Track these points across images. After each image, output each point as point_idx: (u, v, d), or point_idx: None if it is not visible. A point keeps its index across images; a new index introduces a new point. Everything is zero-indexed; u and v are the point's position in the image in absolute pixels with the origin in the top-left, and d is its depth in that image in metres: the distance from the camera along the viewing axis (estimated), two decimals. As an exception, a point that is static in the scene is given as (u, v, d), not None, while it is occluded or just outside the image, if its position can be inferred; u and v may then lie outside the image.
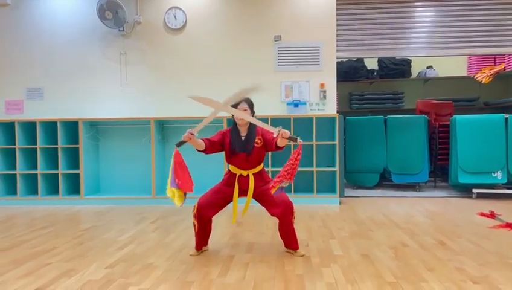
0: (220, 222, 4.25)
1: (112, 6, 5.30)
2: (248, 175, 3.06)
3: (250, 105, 3.08)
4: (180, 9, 5.56)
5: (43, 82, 5.70)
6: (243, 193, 3.09)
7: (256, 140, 3.04)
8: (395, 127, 6.08)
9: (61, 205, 5.28)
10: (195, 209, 3.05)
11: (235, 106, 3.00)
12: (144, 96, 5.64)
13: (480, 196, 5.48)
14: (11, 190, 5.49)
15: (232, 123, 3.12)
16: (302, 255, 3.02)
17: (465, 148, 5.45)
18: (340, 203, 5.16)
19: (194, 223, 3.09)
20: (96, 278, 2.61)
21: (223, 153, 3.19)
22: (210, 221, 3.11)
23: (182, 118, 5.45)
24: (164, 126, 5.65)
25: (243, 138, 3.06)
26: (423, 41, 5.90)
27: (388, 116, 6.16)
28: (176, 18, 5.60)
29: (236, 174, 3.07)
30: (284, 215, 3.00)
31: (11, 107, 5.72)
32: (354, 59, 7.80)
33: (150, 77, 5.68)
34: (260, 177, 3.12)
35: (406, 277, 2.54)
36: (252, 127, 3.06)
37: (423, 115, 6.18)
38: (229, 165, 3.14)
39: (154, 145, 5.30)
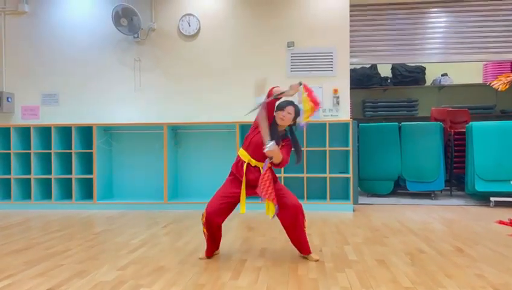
0: (232, 226, 4.21)
1: (127, 13, 5.37)
2: (256, 167, 2.99)
3: (297, 113, 3.02)
4: (194, 16, 5.61)
5: (59, 88, 5.78)
6: (251, 189, 2.99)
7: (282, 143, 2.99)
8: (410, 134, 5.99)
9: (75, 209, 5.30)
10: (204, 218, 3.00)
11: (280, 106, 2.99)
12: (157, 102, 5.68)
13: (498, 204, 5.34)
14: (26, 194, 5.54)
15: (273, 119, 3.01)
16: (317, 260, 2.97)
17: (482, 155, 5.34)
18: (353, 210, 5.08)
19: (203, 231, 3.05)
20: (108, 280, 2.59)
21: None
22: (219, 228, 3.06)
23: (195, 124, 5.47)
24: (177, 132, 5.66)
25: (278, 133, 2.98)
26: (438, 47, 5.84)
27: (403, 123, 6.08)
28: (189, 25, 5.64)
29: (244, 162, 3.00)
30: (295, 219, 2.95)
31: (27, 112, 5.81)
32: (368, 66, 7.76)
33: (164, 83, 5.71)
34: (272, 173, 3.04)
35: (423, 283, 2.47)
36: (288, 132, 3.05)
37: (438, 122, 6.09)
38: (240, 151, 3.07)
39: (166, 150, 5.31)
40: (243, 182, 2.98)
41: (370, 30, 5.91)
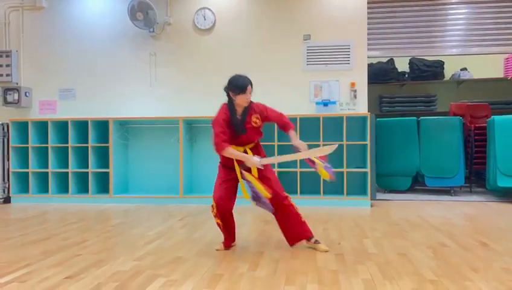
0: (247, 220, 4.18)
1: (143, 7, 5.37)
2: (245, 150, 2.96)
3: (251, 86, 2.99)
4: (209, 9, 5.58)
5: (75, 83, 5.82)
6: (247, 170, 2.91)
7: (253, 119, 2.97)
8: (429, 129, 5.86)
9: (91, 203, 5.33)
10: (215, 209, 2.95)
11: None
12: (172, 96, 5.67)
13: (521, 200, 5.20)
14: (44, 187, 5.59)
15: (230, 100, 2.98)
16: (327, 251, 2.92)
17: (505, 150, 5.19)
18: (371, 205, 4.99)
19: (217, 223, 3.01)
20: (125, 269, 2.57)
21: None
22: (231, 214, 3.03)
23: (210, 118, 5.42)
24: (192, 126, 5.64)
25: (239, 118, 2.95)
26: (457, 39, 5.71)
27: (421, 117, 5.95)
28: (205, 18, 5.62)
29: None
30: (281, 207, 2.96)
31: (45, 107, 5.86)
32: (384, 61, 7.62)
33: (179, 77, 5.70)
34: (256, 151, 3.04)
35: (448, 276, 2.39)
36: (246, 107, 2.96)
37: (458, 117, 5.95)
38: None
39: (182, 145, 5.29)
40: (236, 170, 2.92)
41: (388, 23, 5.81)
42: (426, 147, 5.84)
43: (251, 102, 2.99)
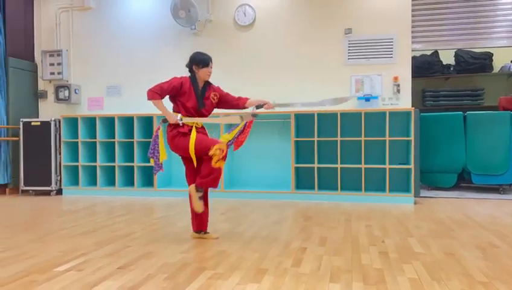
0: (288, 216, 4.21)
1: (185, 4, 5.48)
2: (202, 127, 3.21)
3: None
4: (249, 6, 5.62)
5: (121, 80, 6.04)
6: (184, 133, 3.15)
7: (212, 96, 3.21)
8: (476, 124, 5.63)
9: (136, 196, 5.53)
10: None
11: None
12: (213, 93, 5.75)
13: None
14: (92, 180, 5.87)
15: (192, 75, 3.19)
16: (216, 238, 3.20)
17: (560, 146, 4.90)
18: (414, 203, 4.88)
19: (220, 166, 3.09)
20: (173, 261, 2.67)
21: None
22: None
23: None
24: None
25: (200, 91, 3.16)
26: (507, 30, 5.43)
27: (468, 112, 5.73)
28: (245, 15, 5.66)
29: (192, 126, 3.11)
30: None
31: (93, 103, 6.13)
32: (428, 53, 7.37)
33: (219, 73, 5.75)
34: (202, 129, 3.23)
35: (500, 278, 2.31)
36: (205, 84, 3.21)
37: (508, 111, 5.67)
38: (182, 116, 3.13)
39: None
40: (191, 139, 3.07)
41: (432, 14, 5.61)
42: (473, 142, 5.62)
43: (210, 82, 3.24)
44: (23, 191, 5.91)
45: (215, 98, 3.25)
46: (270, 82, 5.57)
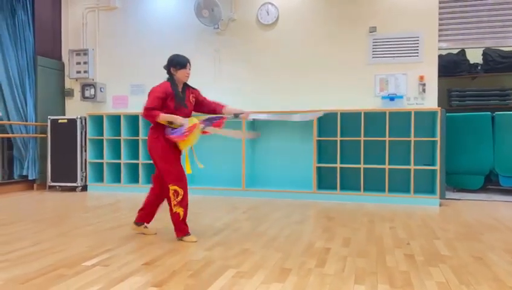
0: (310, 215, 4.19)
1: (209, 4, 5.51)
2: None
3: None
4: (272, 4, 5.60)
5: (145, 78, 6.11)
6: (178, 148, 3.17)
7: (190, 99, 3.24)
8: (505, 124, 5.47)
9: (159, 193, 5.58)
10: (181, 197, 3.11)
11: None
12: (235, 92, 5.77)
13: None
14: (116, 177, 5.97)
15: (171, 77, 3.19)
16: (155, 233, 3.29)
17: None
18: (440, 205, 4.78)
19: (178, 212, 3.12)
20: (197, 259, 2.69)
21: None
22: None
23: (273, 112, 5.47)
24: (254, 120, 5.71)
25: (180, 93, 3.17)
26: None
27: (496, 112, 5.57)
28: (268, 13, 5.65)
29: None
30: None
31: (117, 102, 6.23)
32: (455, 52, 7.20)
33: (243, 72, 5.79)
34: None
35: (532, 284, 2.24)
36: (184, 86, 3.24)
37: (539, 112, 5.49)
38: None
39: (244, 139, 5.39)
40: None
41: (458, 12, 5.47)
42: (501, 144, 5.47)
43: (188, 84, 3.25)
44: (50, 187, 6.06)
45: (193, 100, 3.28)
46: (293, 81, 5.55)
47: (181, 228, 3.16)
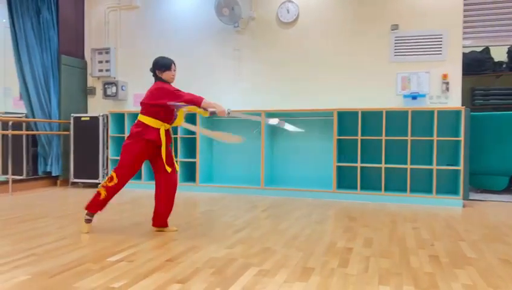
0: (330, 215, 4.16)
1: (229, 2, 5.52)
2: (169, 129, 3.34)
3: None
4: (292, 2, 5.58)
5: (165, 77, 6.16)
6: (157, 148, 3.25)
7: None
8: (531, 124, 5.33)
9: (179, 190, 5.57)
10: (113, 183, 3.20)
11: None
12: (255, 90, 5.78)
13: None
14: (137, 174, 6.01)
15: (157, 79, 3.31)
16: (175, 230, 3.34)
17: None
18: (463, 206, 4.68)
19: (102, 194, 3.23)
20: (219, 256, 2.70)
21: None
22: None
23: (292, 111, 5.46)
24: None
25: None
26: None
27: (523, 112, 5.43)
28: (288, 12, 5.63)
29: (159, 129, 3.21)
30: (172, 187, 3.33)
31: (139, 100, 6.24)
32: (478, 50, 7.05)
33: (262, 71, 5.79)
34: (168, 133, 3.35)
35: None
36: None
37: None
38: (151, 120, 3.20)
39: (264, 137, 5.39)
40: (162, 146, 3.23)
41: (483, 9, 5.34)
42: (528, 144, 5.32)
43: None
44: (73, 183, 6.18)
45: None
46: (313, 79, 5.52)
47: (95, 205, 3.29)
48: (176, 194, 3.40)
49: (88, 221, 3.34)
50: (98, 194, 3.27)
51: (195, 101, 3.16)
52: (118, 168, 3.25)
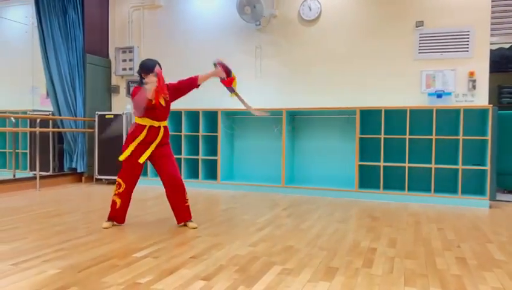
0: (352, 215, 4.13)
1: (251, 0, 5.52)
2: (159, 127, 3.37)
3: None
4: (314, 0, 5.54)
5: (187, 75, 6.14)
6: (148, 144, 3.34)
7: (161, 101, 3.36)
8: (562, 123, 5.15)
9: (200, 187, 5.70)
10: (122, 189, 3.36)
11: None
12: (276, 88, 5.77)
13: None
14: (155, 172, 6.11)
15: (141, 82, 3.39)
16: (195, 228, 3.36)
17: None
18: (490, 206, 4.57)
19: (117, 201, 3.39)
20: (242, 254, 2.72)
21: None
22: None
23: (314, 109, 5.43)
24: (295, 117, 5.70)
25: None
26: None
27: (553, 110, 5.25)
28: (310, 9, 5.59)
29: (146, 126, 3.32)
30: (178, 187, 3.39)
31: (161, 98, 6.37)
32: (506, 47, 6.86)
33: (284, 69, 5.78)
34: (166, 132, 3.46)
35: None
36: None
37: None
38: (140, 119, 3.33)
39: (284, 135, 5.38)
40: (155, 142, 3.35)
41: (511, 4, 5.18)
42: (558, 144, 5.15)
43: None
44: (97, 180, 6.31)
45: (167, 97, 3.43)
46: (335, 77, 5.47)
47: (118, 216, 3.45)
48: (183, 186, 3.47)
49: (110, 220, 3.48)
50: (114, 203, 3.43)
51: (193, 84, 3.54)
52: (120, 172, 3.40)
